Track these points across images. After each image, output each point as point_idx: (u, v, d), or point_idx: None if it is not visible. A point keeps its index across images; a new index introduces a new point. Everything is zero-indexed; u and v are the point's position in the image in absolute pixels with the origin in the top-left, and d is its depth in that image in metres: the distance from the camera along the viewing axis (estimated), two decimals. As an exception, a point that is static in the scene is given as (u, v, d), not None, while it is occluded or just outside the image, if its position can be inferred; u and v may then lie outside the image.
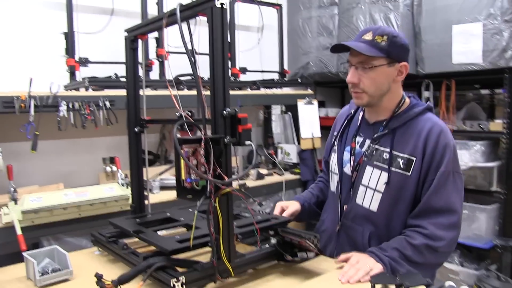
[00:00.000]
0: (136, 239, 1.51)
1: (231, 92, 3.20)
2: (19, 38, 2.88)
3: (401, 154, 1.52)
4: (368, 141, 1.62)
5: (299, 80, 3.96)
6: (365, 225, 1.57)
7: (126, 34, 1.70)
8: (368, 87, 1.53)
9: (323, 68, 3.82)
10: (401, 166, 1.51)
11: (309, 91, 3.83)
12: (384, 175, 1.53)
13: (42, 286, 1.33)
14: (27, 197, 2.36)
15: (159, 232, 1.52)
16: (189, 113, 1.39)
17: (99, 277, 1.22)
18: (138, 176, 1.72)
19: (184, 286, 1.18)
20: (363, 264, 1.37)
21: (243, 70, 3.55)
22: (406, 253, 1.43)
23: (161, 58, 3.08)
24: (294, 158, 3.61)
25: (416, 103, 1.61)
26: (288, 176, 3.43)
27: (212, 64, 1.25)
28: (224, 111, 1.24)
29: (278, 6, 3.94)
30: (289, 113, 3.82)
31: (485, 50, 3.00)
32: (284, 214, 1.73)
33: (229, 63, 3.54)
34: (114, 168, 2.92)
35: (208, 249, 1.40)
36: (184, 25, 1.31)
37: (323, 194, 1.91)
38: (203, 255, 1.50)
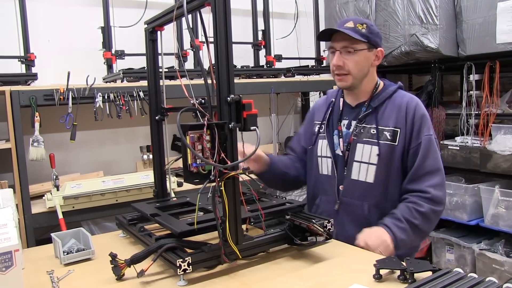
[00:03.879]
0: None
1: (265, 80, 3.28)
2: (59, 34, 3.04)
3: (386, 128, 1.73)
4: (354, 122, 1.79)
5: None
6: (363, 199, 1.74)
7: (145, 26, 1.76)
8: (352, 69, 1.72)
9: (361, 53, 3.74)
10: (388, 137, 1.72)
11: (346, 77, 3.78)
12: (375, 148, 1.72)
13: (66, 264, 1.43)
14: (68, 184, 2.51)
15: (183, 217, 1.58)
16: (202, 101, 1.43)
17: (113, 256, 1.30)
18: (160, 162, 1.79)
19: (190, 266, 1.23)
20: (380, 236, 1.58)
21: (278, 58, 3.56)
22: (415, 222, 1.64)
23: (196, 48, 3.14)
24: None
25: (389, 84, 1.84)
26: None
27: (216, 51, 1.28)
28: (229, 98, 1.27)
29: (314, -8, 3.91)
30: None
31: (532, 28, 2.84)
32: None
33: (264, 51, 3.56)
34: (151, 156, 3.02)
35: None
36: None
37: (287, 167, 1.97)
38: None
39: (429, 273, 1.17)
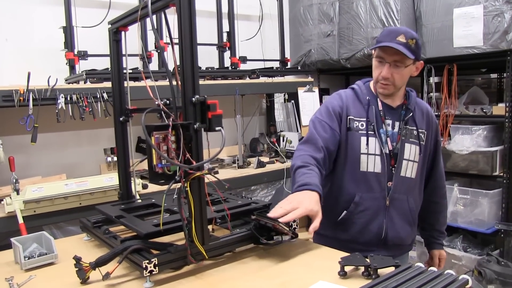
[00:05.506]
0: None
1: (231, 82, 3.29)
2: (18, 33, 2.95)
3: (421, 130, 1.90)
4: (397, 123, 1.88)
5: (300, 68, 3.97)
6: (408, 193, 1.88)
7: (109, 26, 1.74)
8: (398, 81, 1.81)
9: (325, 55, 3.81)
10: (423, 138, 1.90)
11: (310, 79, 3.83)
12: (418, 148, 1.88)
13: (28, 269, 1.39)
14: (29, 187, 2.44)
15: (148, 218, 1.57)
16: (167, 102, 1.42)
17: (77, 260, 1.28)
18: (125, 164, 1.77)
19: (157, 268, 1.23)
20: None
21: (243, 59, 3.58)
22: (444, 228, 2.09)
23: (161, 49, 3.12)
24: (296, 146, 3.62)
25: (409, 89, 1.96)
26: (290, 163, 3.43)
27: (181, 52, 1.28)
28: (193, 98, 1.27)
29: (279, -5, 3.95)
30: (292, 101, 3.84)
31: (486, 32, 2.95)
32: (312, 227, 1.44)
33: (229, 52, 3.57)
34: (115, 159, 2.98)
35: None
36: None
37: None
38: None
39: (392, 269, 1.21)
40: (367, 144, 1.83)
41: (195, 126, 1.27)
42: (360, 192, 1.84)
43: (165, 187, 1.28)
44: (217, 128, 1.30)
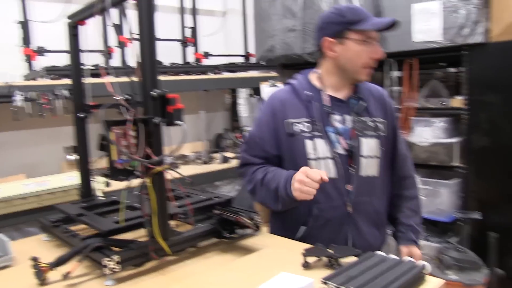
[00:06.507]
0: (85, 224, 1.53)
1: (194, 77, 3.26)
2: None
3: (377, 120, 1.69)
4: (348, 117, 1.66)
5: (264, 63, 3.98)
6: (371, 193, 1.68)
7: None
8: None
9: (288, 50, 3.82)
10: (383, 129, 1.69)
11: (274, 74, 3.85)
12: (377, 141, 1.67)
13: (-18, 273, 1.35)
14: (-15, 188, 2.36)
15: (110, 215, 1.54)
16: (128, 97, 1.40)
17: (35, 260, 1.24)
18: (85, 161, 1.73)
19: (119, 265, 1.21)
20: None
21: (206, 55, 3.56)
22: (421, 216, 1.82)
23: (122, 45, 3.07)
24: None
25: None
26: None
27: (141, 46, 1.26)
28: (153, 92, 1.26)
29: (242, -10, 3.94)
30: (256, 96, 3.84)
31: (445, 27, 3.03)
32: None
33: (192, 48, 3.55)
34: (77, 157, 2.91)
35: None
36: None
37: None
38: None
39: (354, 258, 1.23)
40: (314, 147, 1.62)
41: (155, 120, 1.26)
42: (317, 203, 1.61)
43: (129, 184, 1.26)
44: (177, 122, 1.29)
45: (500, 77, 2.82)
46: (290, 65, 4.11)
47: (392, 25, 1.60)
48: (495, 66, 2.82)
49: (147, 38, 1.25)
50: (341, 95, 1.69)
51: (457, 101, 3.20)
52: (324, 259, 1.28)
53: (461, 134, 3.17)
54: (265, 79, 3.63)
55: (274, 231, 1.69)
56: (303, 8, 3.72)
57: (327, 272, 1.17)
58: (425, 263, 1.17)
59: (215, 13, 3.91)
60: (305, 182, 1.44)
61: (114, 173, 1.26)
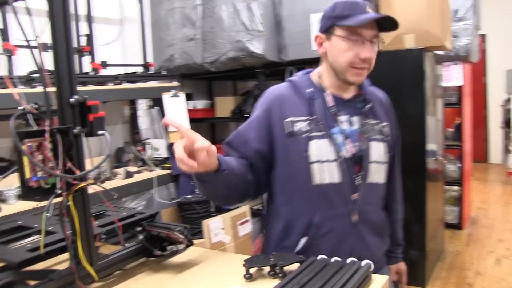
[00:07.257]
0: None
1: (92, 88, 3.03)
2: None
3: (383, 123, 1.58)
4: (355, 118, 1.52)
5: (164, 73, 3.86)
6: (376, 202, 1.57)
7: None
8: (373, 63, 1.47)
9: (189, 60, 3.76)
10: (388, 132, 1.59)
11: (175, 84, 3.74)
12: (385, 145, 1.56)
13: None
14: None
15: (11, 244, 1.33)
16: (36, 106, 1.23)
17: None
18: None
19: (38, 300, 1.04)
20: None
21: (104, 65, 3.34)
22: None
23: (8, 52, 2.75)
24: (163, 153, 3.52)
25: None
26: (158, 171, 3.33)
27: (55, 47, 1.11)
28: (71, 99, 1.12)
29: (138, -2, 3.78)
30: (156, 107, 3.70)
31: (340, 37, 3.19)
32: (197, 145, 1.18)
33: (89, 57, 3.31)
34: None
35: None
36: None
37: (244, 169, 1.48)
38: (68, 262, 1.34)
39: (297, 265, 1.20)
40: (317, 148, 1.45)
41: (74, 130, 1.12)
42: (319, 211, 1.46)
43: (27, 206, 1.09)
44: (100, 132, 1.17)
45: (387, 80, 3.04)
46: (190, 75, 4.05)
47: (392, 24, 1.45)
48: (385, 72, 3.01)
49: (64, 40, 1.11)
50: (345, 95, 1.54)
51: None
52: (267, 268, 1.23)
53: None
54: (166, 89, 3.50)
55: (269, 249, 1.55)
56: (202, 17, 3.68)
57: (272, 282, 1.12)
58: (369, 261, 1.18)
59: (112, 21, 3.70)
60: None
61: (27, 193, 1.08)
